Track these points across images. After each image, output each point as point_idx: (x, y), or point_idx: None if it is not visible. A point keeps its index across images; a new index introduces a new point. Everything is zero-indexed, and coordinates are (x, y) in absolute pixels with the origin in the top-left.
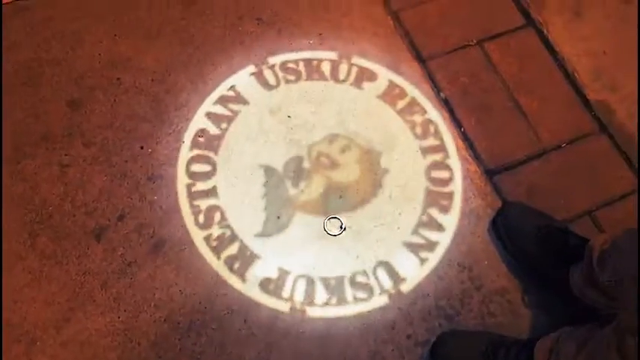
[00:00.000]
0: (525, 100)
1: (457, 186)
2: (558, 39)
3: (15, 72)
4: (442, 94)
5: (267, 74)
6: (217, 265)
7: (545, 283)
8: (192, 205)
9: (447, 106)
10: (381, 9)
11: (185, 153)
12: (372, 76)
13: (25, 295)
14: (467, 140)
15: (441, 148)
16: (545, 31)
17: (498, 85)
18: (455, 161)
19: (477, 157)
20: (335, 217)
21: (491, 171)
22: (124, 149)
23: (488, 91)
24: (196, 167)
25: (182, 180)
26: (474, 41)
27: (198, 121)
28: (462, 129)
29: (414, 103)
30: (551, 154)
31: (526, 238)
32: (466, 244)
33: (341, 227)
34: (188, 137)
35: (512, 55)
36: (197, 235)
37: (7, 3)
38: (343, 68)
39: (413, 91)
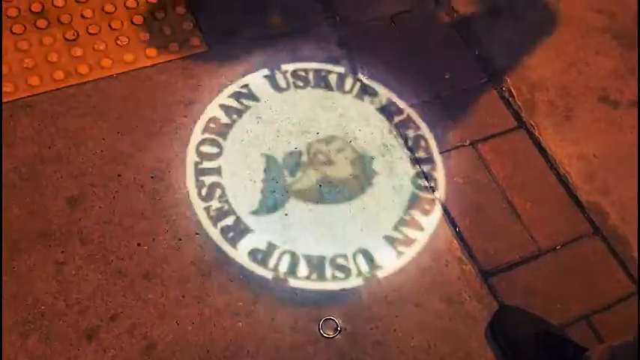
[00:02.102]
0: (519, 201)
1: (440, 195)
2: (549, 141)
3: (16, 168)
4: (437, 194)
5: (279, 78)
6: (213, 232)
7: None
8: (197, 180)
9: (440, 205)
10: (377, 107)
11: (197, 135)
12: (373, 92)
13: None
14: (462, 240)
15: (430, 160)
16: (536, 134)
17: (492, 185)
18: (440, 176)
19: (472, 257)
20: (330, 319)
21: (486, 272)
22: (120, 246)
23: (482, 192)
24: (205, 148)
25: (191, 158)
26: (468, 142)
27: (212, 110)
28: (457, 229)
29: (409, 119)
30: (546, 256)
31: (524, 345)
32: (463, 350)
33: (336, 329)
34: (201, 123)
35: (505, 156)
36: (199, 206)
37: (15, 99)
38: (349, 81)
39: (407, 109)
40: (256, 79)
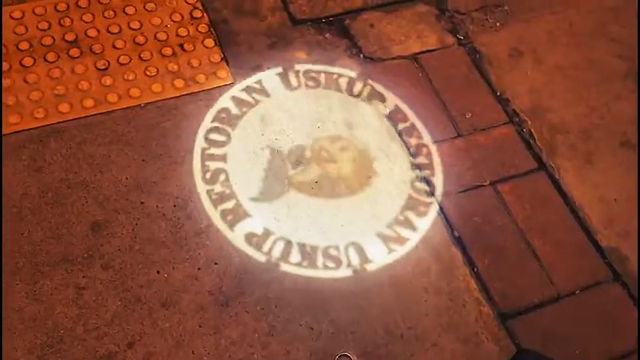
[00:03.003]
0: (538, 243)
1: (435, 204)
2: (570, 184)
3: (42, 192)
4: (455, 233)
5: (291, 77)
6: (213, 214)
7: None
8: (203, 165)
9: (460, 244)
10: (398, 144)
11: (207, 123)
12: (381, 98)
13: None
14: (480, 281)
15: (429, 166)
16: (556, 176)
17: (511, 226)
18: (439, 182)
19: (490, 299)
20: (345, 355)
21: (505, 314)
22: (140, 273)
23: (501, 232)
24: (214, 136)
25: (199, 144)
26: (488, 182)
27: (224, 101)
28: (475, 269)
29: (413, 127)
30: (565, 300)
31: None
32: None
33: None
34: (212, 113)
35: (524, 197)
36: (202, 188)
37: (45, 125)
38: (358, 85)
39: (413, 117)
40: (269, 76)
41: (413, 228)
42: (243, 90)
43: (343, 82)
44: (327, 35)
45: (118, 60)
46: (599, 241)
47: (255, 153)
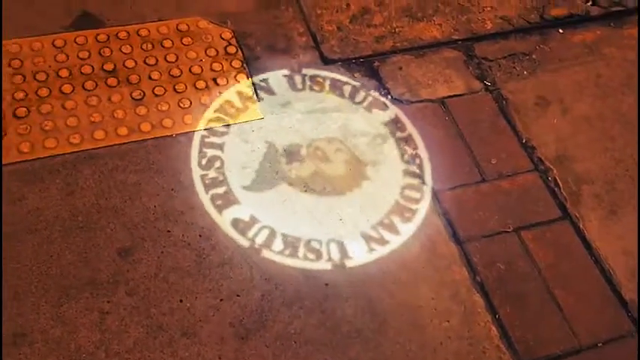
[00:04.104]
0: (561, 293)
1: (422, 209)
2: (594, 235)
3: (73, 216)
4: (478, 278)
5: (297, 79)
6: (204, 197)
7: None
8: (200, 151)
9: (482, 290)
10: (422, 187)
11: (209, 114)
12: (383, 108)
13: None
14: (501, 328)
15: (420, 176)
16: (581, 226)
17: (534, 274)
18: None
19: (510, 347)
20: None
21: None
22: (163, 301)
23: (524, 280)
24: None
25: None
26: (511, 228)
27: (229, 94)
28: (497, 316)
29: (410, 138)
30: (587, 353)
31: None
32: None
33: None
34: (216, 104)
35: (548, 246)
36: (196, 173)
37: (80, 151)
38: (361, 94)
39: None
40: (276, 76)
41: (396, 232)
42: (249, 87)
43: (347, 89)
44: (357, 75)
45: (153, 91)
46: (622, 294)
47: (253, 145)
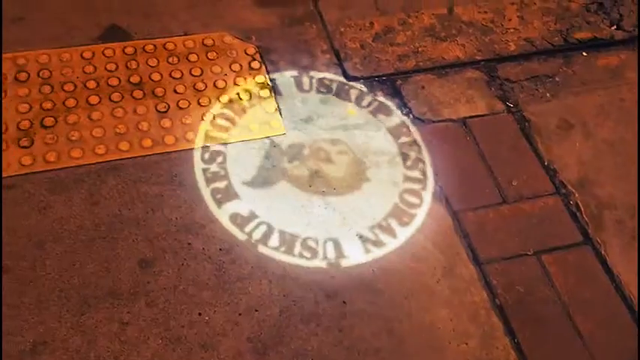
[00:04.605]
0: (581, 319)
1: (420, 217)
2: (616, 262)
3: (96, 226)
4: (497, 301)
5: (305, 81)
6: (205, 190)
7: None
8: (204, 145)
9: (501, 313)
10: (442, 207)
11: (216, 109)
12: (388, 112)
13: None
14: (520, 352)
15: (422, 180)
16: (602, 252)
17: (554, 299)
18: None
19: None
20: None
21: None
22: (183, 313)
23: (544, 304)
24: (220, 121)
25: (204, 126)
26: (532, 251)
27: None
28: (516, 340)
29: (413, 143)
30: None
31: None
32: None
33: None
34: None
35: (569, 270)
36: (198, 166)
37: (104, 161)
38: (368, 99)
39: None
40: (284, 77)
41: (393, 235)
42: (257, 85)
43: (354, 93)
44: (379, 93)
45: (177, 104)
46: None
47: (256, 142)
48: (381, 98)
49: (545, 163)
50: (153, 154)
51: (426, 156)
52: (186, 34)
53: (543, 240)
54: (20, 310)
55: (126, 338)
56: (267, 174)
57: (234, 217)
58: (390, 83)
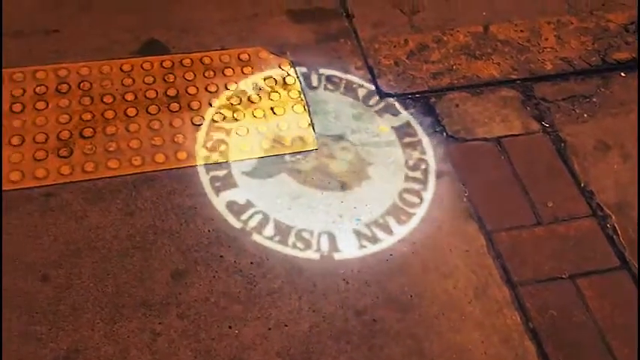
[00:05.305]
0: (617, 345)
1: (421, 213)
2: None
3: (130, 236)
4: (530, 324)
5: (313, 77)
6: (204, 177)
7: None
8: (208, 133)
9: (535, 337)
10: (475, 227)
11: (223, 101)
12: (394, 113)
13: None
14: None
15: (423, 181)
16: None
17: (590, 324)
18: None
19: None
20: None
21: None
22: (213, 326)
23: (578, 329)
24: (225, 112)
25: (210, 113)
26: (567, 274)
27: (245, 84)
28: None
29: (417, 143)
30: None
31: None
32: None
33: None
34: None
35: (605, 295)
36: (200, 153)
37: (140, 172)
38: (375, 98)
39: (422, 135)
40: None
41: (390, 232)
42: (265, 79)
43: (362, 92)
44: (412, 111)
45: (212, 117)
46: None
47: (260, 135)
48: (415, 116)
49: (582, 185)
50: (187, 167)
51: (457, 175)
52: (222, 49)
53: (579, 263)
54: (57, 316)
55: (157, 349)
56: (268, 166)
57: (231, 205)
58: (423, 101)
